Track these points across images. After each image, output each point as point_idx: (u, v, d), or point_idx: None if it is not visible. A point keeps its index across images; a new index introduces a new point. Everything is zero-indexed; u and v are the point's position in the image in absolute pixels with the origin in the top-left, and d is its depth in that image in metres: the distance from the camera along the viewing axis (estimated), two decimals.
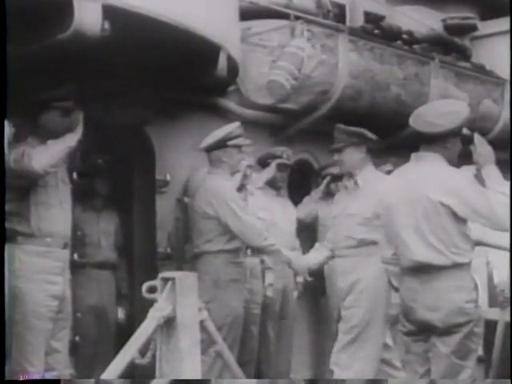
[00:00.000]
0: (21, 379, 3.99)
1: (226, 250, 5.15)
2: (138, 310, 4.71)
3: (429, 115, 3.91)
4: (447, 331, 3.74)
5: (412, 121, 3.94)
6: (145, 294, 3.57)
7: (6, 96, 3.45)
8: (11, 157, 4.19)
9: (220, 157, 5.26)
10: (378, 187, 4.61)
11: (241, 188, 5.54)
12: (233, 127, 5.32)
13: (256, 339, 5.61)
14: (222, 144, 5.25)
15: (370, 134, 5.23)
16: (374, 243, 4.84)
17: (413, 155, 3.99)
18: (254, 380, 5.02)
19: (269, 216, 5.73)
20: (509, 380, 3.83)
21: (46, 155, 4.33)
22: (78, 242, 5.65)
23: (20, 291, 4.31)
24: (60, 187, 4.55)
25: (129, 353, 3.48)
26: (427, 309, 3.78)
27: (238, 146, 5.31)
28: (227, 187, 5.22)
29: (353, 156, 5.12)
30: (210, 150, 5.29)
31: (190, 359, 3.56)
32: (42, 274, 4.36)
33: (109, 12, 3.93)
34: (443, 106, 4.03)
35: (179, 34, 4.37)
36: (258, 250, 5.38)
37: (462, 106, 4.01)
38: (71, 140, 4.42)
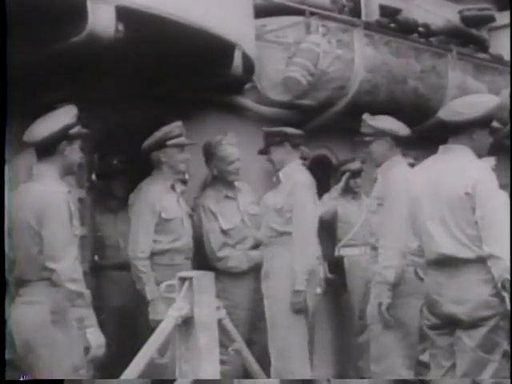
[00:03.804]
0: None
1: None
2: None
3: (456, 105, 3.91)
4: (473, 325, 3.71)
5: (441, 112, 3.93)
6: (163, 294, 3.56)
7: (7, 93, 3.43)
8: None
9: (159, 157, 5.19)
10: (296, 180, 5.27)
11: (229, 185, 5.55)
12: (172, 127, 5.21)
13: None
14: (160, 144, 5.18)
15: (289, 130, 5.49)
16: (287, 234, 5.29)
17: (440, 147, 3.96)
18: (276, 380, 4.99)
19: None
20: (509, 380, 3.77)
21: None
22: (98, 243, 5.68)
23: None
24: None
25: (148, 353, 3.49)
26: (452, 302, 3.76)
27: (179, 146, 5.22)
28: (155, 192, 5.13)
29: (277, 154, 5.49)
30: (148, 150, 5.22)
31: (209, 358, 3.56)
32: None
33: (122, 13, 3.92)
34: (472, 98, 4.06)
35: (193, 33, 4.35)
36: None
37: (489, 98, 4.00)
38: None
